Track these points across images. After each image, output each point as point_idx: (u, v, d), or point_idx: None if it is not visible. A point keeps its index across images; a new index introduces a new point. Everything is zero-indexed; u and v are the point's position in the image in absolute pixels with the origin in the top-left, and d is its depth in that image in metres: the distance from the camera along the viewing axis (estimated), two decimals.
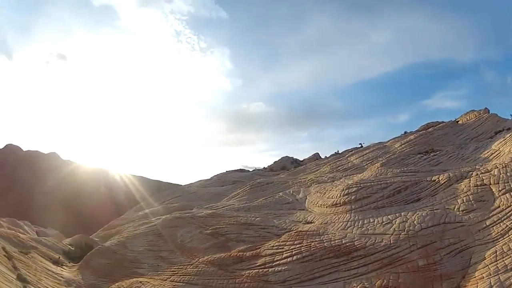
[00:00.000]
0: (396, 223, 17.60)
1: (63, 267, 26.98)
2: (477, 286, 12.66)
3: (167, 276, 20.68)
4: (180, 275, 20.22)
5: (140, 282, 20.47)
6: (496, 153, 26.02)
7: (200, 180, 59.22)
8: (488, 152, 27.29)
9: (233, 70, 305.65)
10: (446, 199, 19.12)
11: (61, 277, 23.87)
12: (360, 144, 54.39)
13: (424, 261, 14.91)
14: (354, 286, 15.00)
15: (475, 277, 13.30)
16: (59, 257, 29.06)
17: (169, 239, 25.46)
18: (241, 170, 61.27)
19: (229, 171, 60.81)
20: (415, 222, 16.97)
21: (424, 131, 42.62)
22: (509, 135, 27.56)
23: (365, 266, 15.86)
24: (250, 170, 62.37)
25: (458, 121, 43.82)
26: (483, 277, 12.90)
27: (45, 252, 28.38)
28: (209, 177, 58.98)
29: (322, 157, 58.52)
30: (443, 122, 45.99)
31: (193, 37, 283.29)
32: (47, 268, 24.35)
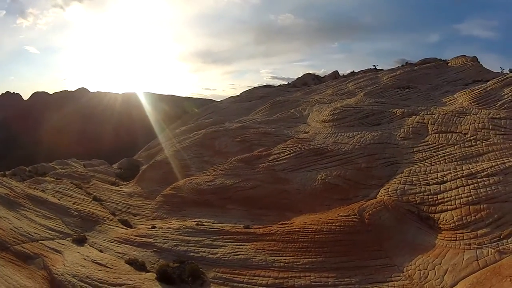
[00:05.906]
0: (356, 137, 23.50)
1: (120, 186, 30.27)
2: (389, 187, 17.36)
3: (210, 172, 24.92)
4: (219, 171, 24.50)
5: (191, 179, 24.35)
6: (453, 100, 29.10)
7: (231, 97, 61.71)
8: (449, 98, 30.14)
9: None
10: (395, 127, 24.42)
11: (123, 192, 27.84)
12: (374, 66, 59.36)
13: (365, 165, 20.39)
14: (322, 173, 20.49)
15: (392, 182, 18.10)
16: (115, 179, 32.50)
17: (210, 147, 30.48)
18: (267, 86, 63.64)
19: (257, 87, 63.70)
20: (368, 138, 22.85)
21: (410, 68, 44.37)
22: (471, 88, 29.46)
23: (330, 163, 21.49)
24: (276, 85, 65.03)
25: (448, 62, 44.62)
26: (395, 183, 17.67)
27: (102, 178, 31.80)
28: (238, 94, 61.66)
29: (340, 74, 63.05)
30: (441, 60, 47.47)
31: None
32: (110, 189, 28.12)
